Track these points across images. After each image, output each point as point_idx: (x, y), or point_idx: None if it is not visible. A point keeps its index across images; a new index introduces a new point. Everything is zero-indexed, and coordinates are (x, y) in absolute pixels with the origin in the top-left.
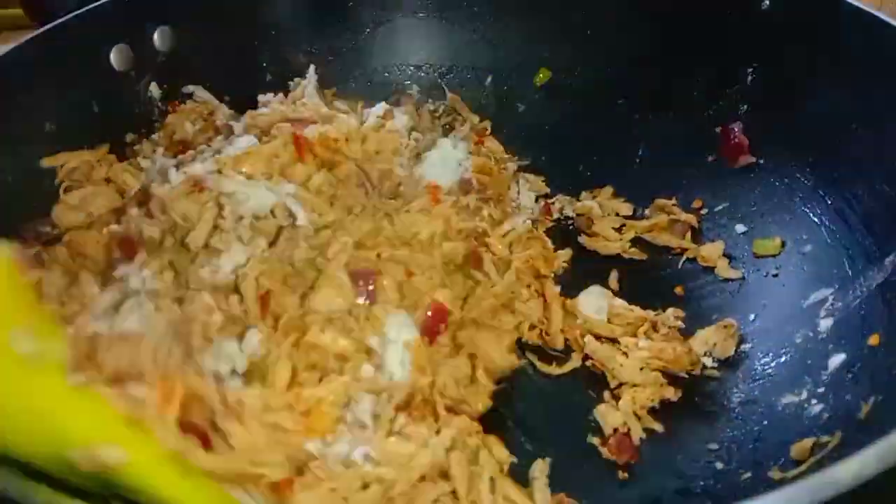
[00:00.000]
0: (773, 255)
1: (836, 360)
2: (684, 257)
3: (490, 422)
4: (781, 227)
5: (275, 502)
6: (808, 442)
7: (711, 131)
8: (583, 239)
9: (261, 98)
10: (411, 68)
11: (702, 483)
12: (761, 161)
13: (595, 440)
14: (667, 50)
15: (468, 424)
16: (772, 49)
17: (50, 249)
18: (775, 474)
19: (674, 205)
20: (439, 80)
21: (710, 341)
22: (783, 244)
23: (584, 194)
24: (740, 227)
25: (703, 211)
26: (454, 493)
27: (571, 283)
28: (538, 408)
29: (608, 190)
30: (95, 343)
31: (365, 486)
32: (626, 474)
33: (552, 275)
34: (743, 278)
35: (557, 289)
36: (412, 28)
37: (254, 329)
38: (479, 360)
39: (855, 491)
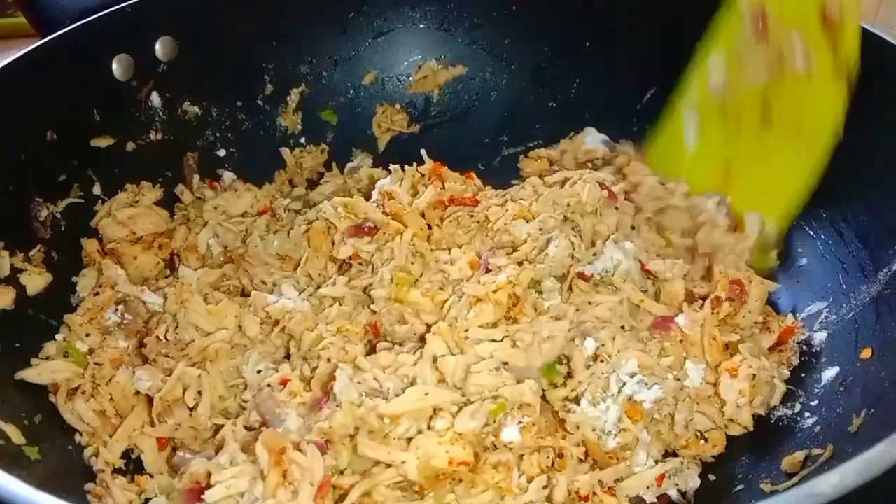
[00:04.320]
0: (770, 268)
1: (830, 373)
2: None
3: None
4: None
5: None
6: (800, 455)
7: None
8: None
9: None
10: (409, 77)
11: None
12: None
13: None
14: (663, 63)
15: None
16: None
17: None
18: (767, 486)
19: None
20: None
21: None
22: (779, 258)
23: None
24: None
25: None
26: None
27: None
28: None
29: None
30: None
31: None
32: None
33: None
34: None
35: None
36: (411, 38)
37: None
38: None
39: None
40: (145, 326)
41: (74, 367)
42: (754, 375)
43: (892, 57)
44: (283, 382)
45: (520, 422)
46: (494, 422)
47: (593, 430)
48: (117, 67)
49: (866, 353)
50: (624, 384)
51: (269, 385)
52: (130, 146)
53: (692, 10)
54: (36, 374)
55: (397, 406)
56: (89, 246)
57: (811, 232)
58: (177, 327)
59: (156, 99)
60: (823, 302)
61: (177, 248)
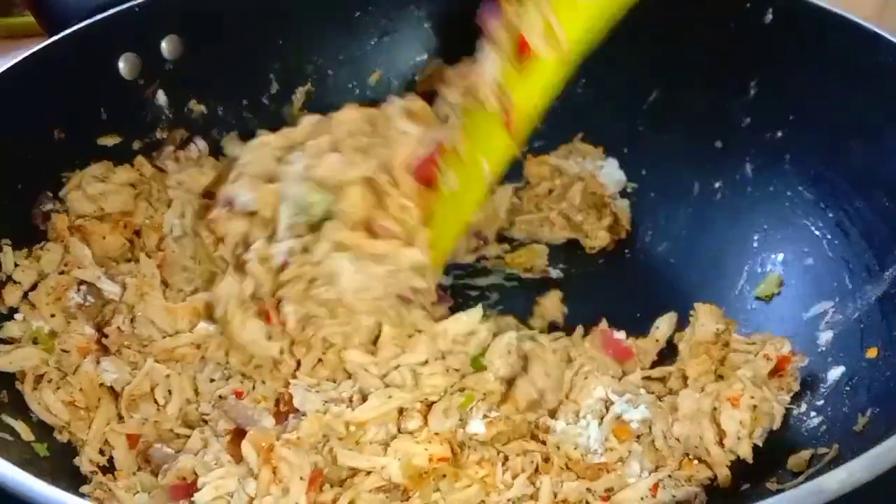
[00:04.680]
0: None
1: (836, 372)
2: None
3: None
4: (784, 239)
5: None
6: (805, 454)
7: (713, 145)
8: None
9: None
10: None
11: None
12: (764, 173)
13: None
14: (668, 63)
15: None
16: (775, 62)
17: (57, 217)
18: (773, 486)
19: None
20: None
21: None
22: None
23: None
24: None
25: None
26: None
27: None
28: None
29: None
30: None
31: None
32: None
33: None
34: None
35: None
36: (417, 37)
37: None
38: None
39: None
40: (101, 312)
41: (43, 354)
42: (755, 406)
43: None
44: (237, 394)
45: (485, 415)
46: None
47: (576, 447)
48: (124, 66)
49: (872, 353)
50: (612, 403)
51: (220, 397)
52: (137, 145)
53: (694, 13)
54: (7, 361)
55: (363, 413)
56: (60, 222)
57: (817, 232)
58: (133, 320)
59: (162, 98)
60: (829, 301)
61: (138, 224)
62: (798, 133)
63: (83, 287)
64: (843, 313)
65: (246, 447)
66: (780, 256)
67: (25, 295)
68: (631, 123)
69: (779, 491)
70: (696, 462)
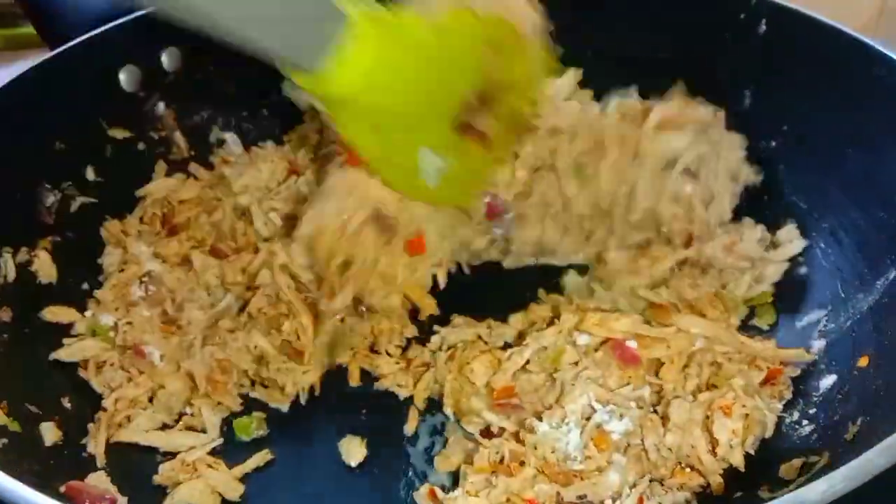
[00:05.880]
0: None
1: (828, 381)
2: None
3: None
4: None
5: None
6: (797, 462)
7: None
8: None
9: None
10: None
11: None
12: (759, 183)
13: None
14: (664, 73)
15: None
16: (769, 73)
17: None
18: (764, 494)
19: None
20: None
21: None
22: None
23: None
24: None
25: None
26: None
27: None
28: None
29: None
30: None
31: None
32: None
33: None
34: None
35: None
36: None
37: None
38: None
39: None
40: (171, 294)
41: (102, 344)
42: (747, 415)
43: (892, 71)
44: None
45: None
46: None
47: (553, 451)
48: (125, 78)
49: (863, 362)
50: (594, 411)
51: None
52: None
53: (689, 23)
54: (68, 353)
55: None
56: (112, 228)
57: (810, 241)
58: None
59: (162, 109)
60: (822, 310)
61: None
62: (792, 143)
63: (145, 279)
64: (835, 322)
65: None
66: None
67: (91, 294)
68: None
69: (770, 499)
70: (688, 470)
